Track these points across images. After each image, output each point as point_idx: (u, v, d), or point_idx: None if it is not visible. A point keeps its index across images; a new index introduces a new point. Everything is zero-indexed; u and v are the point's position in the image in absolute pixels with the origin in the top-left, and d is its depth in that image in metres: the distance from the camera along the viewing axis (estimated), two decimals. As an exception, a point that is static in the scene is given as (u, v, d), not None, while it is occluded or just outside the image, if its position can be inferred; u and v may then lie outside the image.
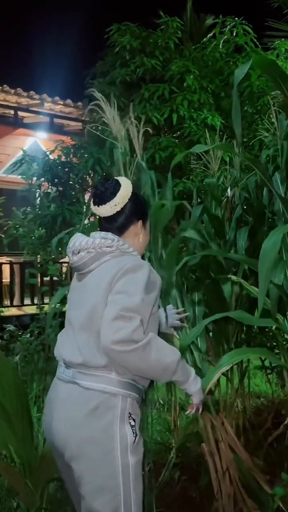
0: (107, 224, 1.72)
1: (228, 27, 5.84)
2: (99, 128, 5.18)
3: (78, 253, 1.66)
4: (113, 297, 1.56)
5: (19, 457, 2.02)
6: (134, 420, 1.57)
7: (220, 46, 5.80)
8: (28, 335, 3.48)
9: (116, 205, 1.69)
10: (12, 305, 7.35)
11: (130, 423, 1.56)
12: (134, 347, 1.48)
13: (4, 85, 7.67)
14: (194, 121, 5.12)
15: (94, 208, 1.73)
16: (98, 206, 1.70)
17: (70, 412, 1.56)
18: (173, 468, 2.72)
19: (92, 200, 1.74)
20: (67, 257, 1.75)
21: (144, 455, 1.62)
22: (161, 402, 3.90)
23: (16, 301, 7.43)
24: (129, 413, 1.57)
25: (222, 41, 5.82)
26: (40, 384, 3.11)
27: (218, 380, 2.40)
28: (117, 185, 1.71)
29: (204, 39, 6.20)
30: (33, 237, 3.70)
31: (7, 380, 1.89)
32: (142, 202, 1.82)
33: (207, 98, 5.43)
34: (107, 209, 1.69)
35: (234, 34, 5.78)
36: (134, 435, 1.56)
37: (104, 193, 1.70)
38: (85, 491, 1.53)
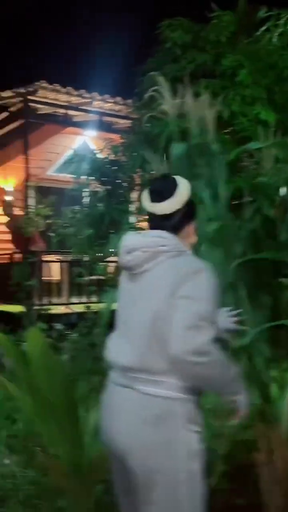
0: (161, 222, 1.66)
1: (283, 19, 5.71)
2: (150, 124, 5.18)
3: (133, 252, 1.63)
4: (180, 302, 1.52)
5: (67, 457, 2.04)
6: (196, 426, 1.55)
7: (275, 39, 5.68)
8: (76, 334, 3.53)
9: (177, 202, 1.65)
10: (60, 303, 7.50)
11: (193, 429, 1.54)
12: (208, 360, 1.47)
13: (55, 84, 7.80)
14: (246, 117, 5.04)
15: (151, 205, 1.68)
16: (156, 203, 1.66)
17: (131, 420, 1.54)
18: (220, 477, 2.69)
19: (148, 197, 1.69)
20: (118, 256, 1.73)
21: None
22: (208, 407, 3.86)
23: (64, 299, 7.57)
24: (192, 418, 1.54)
25: (276, 34, 5.70)
26: (88, 384, 3.14)
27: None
28: (176, 183, 1.67)
29: (257, 32, 6.08)
30: (81, 237, 3.74)
31: (56, 379, 1.91)
32: (195, 204, 1.80)
33: (260, 93, 5.34)
34: (165, 207, 1.65)
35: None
36: (198, 440, 1.54)
37: (164, 190, 1.66)
38: (150, 498, 1.52)
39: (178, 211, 1.66)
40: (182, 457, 1.51)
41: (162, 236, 1.63)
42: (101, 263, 3.60)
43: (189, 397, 1.54)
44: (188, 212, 1.69)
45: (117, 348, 1.64)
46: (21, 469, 2.47)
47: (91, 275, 3.51)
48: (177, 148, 2.47)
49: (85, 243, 3.70)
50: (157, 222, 1.67)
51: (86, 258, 3.87)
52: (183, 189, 1.67)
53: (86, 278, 3.68)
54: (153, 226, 1.69)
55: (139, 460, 1.52)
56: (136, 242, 1.64)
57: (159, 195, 1.66)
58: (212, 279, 1.58)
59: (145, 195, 1.70)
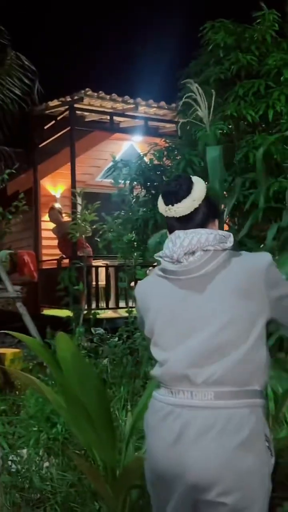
0: (183, 225, 1.57)
1: None
2: (192, 128, 5.16)
3: (195, 253, 1.51)
4: (284, 291, 1.52)
5: (102, 461, 2.06)
6: (268, 441, 1.47)
7: None
8: (116, 339, 3.56)
9: (194, 200, 1.56)
10: (107, 308, 7.58)
11: (267, 445, 1.46)
12: None
13: (100, 92, 7.91)
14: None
15: (167, 209, 1.58)
16: (173, 205, 1.56)
17: (221, 443, 1.42)
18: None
19: (164, 200, 1.60)
20: (164, 259, 1.58)
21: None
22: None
23: (111, 304, 7.64)
24: (265, 434, 1.46)
25: None
26: (128, 387, 3.16)
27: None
28: (190, 182, 1.59)
29: (304, 29, 5.94)
30: (123, 241, 3.77)
31: (90, 385, 1.92)
32: (216, 202, 1.72)
33: None
34: (184, 207, 1.56)
35: None
36: (272, 457, 1.48)
37: (178, 191, 1.57)
38: None
39: (197, 210, 1.57)
40: (266, 475, 1.45)
41: (216, 233, 1.53)
42: (143, 268, 3.62)
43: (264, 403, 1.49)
44: (209, 209, 1.61)
45: (182, 357, 1.49)
46: (59, 472, 2.52)
47: (133, 280, 3.52)
48: (211, 152, 2.46)
49: (126, 247, 3.72)
50: (177, 225, 1.58)
51: (128, 262, 3.89)
52: (198, 187, 1.58)
53: (126, 283, 3.69)
54: (171, 229, 1.60)
55: (230, 487, 1.41)
56: (201, 241, 1.51)
57: (174, 197, 1.57)
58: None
59: (160, 199, 1.62)
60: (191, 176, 1.65)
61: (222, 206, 3.04)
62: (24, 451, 2.85)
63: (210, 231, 1.55)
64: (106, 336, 3.66)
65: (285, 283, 1.55)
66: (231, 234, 1.57)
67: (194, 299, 1.51)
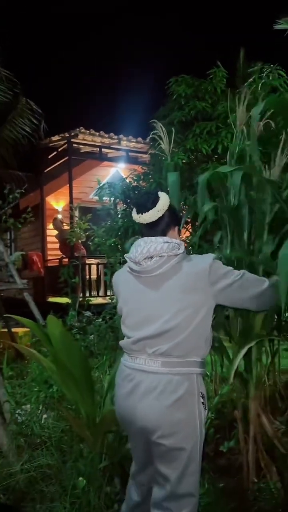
0: (149, 229, 1.60)
1: (265, 72, 5.67)
2: (162, 158, 5.21)
3: (152, 258, 1.54)
4: (225, 282, 1.52)
5: (85, 413, 2.08)
6: (203, 398, 1.52)
7: (259, 88, 5.63)
8: (101, 319, 3.58)
9: (158, 211, 1.58)
10: (98, 295, 7.57)
11: (202, 401, 1.51)
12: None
13: (91, 129, 7.91)
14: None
15: (138, 217, 1.60)
16: (143, 214, 1.59)
17: (160, 401, 1.48)
18: (212, 428, 2.68)
19: (136, 209, 1.61)
20: (130, 260, 1.60)
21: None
22: (208, 374, 3.85)
23: (101, 293, 7.64)
24: (201, 392, 1.52)
25: (260, 84, 5.64)
26: (109, 356, 3.17)
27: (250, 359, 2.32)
28: (157, 196, 1.62)
29: (246, 83, 6.03)
30: (107, 245, 3.80)
31: (75, 355, 1.94)
32: (177, 212, 1.75)
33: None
34: (149, 216, 1.58)
35: (270, 77, 5.59)
36: (205, 410, 1.52)
37: (146, 203, 1.60)
38: (173, 460, 1.49)
39: (161, 218, 1.59)
40: (197, 425, 1.49)
41: (171, 242, 1.55)
42: (122, 265, 3.66)
43: (203, 371, 1.53)
44: (170, 218, 1.62)
45: (142, 337, 1.53)
46: (54, 422, 2.53)
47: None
48: (170, 177, 2.49)
49: (109, 249, 3.75)
50: (146, 230, 1.61)
51: (111, 261, 3.91)
52: (163, 200, 1.60)
53: (109, 277, 3.74)
54: (144, 234, 1.62)
55: (167, 432, 1.47)
56: (157, 249, 1.54)
57: (144, 207, 1.59)
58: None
59: (134, 209, 1.63)
60: (158, 191, 1.67)
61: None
62: (28, 406, 2.84)
63: (166, 239, 1.57)
64: (93, 318, 3.69)
65: (227, 276, 1.54)
66: (182, 243, 1.60)
67: (151, 294, 1.55)
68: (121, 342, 1.63)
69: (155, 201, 1.59)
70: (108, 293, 7.43)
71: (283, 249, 1.57)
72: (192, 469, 1.49)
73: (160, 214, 1.59)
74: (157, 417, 1.47)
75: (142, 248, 1.56)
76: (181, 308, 1.49)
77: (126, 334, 1.60)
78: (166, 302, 1.51)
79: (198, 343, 1.51)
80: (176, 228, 1.67)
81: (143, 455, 1.60)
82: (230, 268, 1.57)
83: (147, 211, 1.58)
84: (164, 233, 1.60)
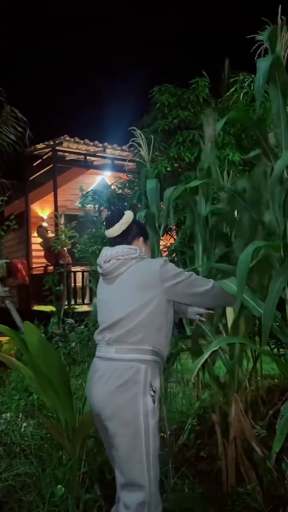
0: (117, 241, 1.81)
1: (247, 82, 5.80)
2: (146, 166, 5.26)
3: (109, 261, 1.74)
4: (174, 280, 1.68)
5: (64, 420, 2.08)
6: (154, 391, 1.61)
7: (241, 97, 5.76)
8: (83, 327, 3.58)
9: (121, 224, 1.80)
10: (83, 303, 7.55)
11: (151, 394, 1.60)
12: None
13: (75, 138, 7.95)
14: (218, 158, 5.09)
15: (106, 232, 1.83)
16: (109, 228, 1.82)
17: (106, 386, 1.63)
18: (192, 434, 2.70)
19: (105, 225, 1.85)
20: (98, 266, 1.83)
21: (163, 419, 1.67)
22: (192, 380, 3.87)
23: (86, 300, 7.62)
24: (151, 384, 1.61)
25: (242, 93, 5.77)
26: (88, 364, 3.16)
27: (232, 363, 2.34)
28: (122, 213, 1.84)
29: (228, 93, 6.16)
30: (89, 252, 3.81)
31: (53, 363, 1.95)
32: (142, 225, 1.94)
33: (229, 139, 5.40)
34: (115, 230, 1.81)
35: (251, 87, 5.71)
36: (154, 403, 1.61)
37: (112, 219, 1.83)
38: (117, 445, 1.60)
39: (125, 231, 1.81)
40: (140, 413, 1.57)
41: (130, 248, 1.76)
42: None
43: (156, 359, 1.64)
44: (134, 231, 1.83)
45: (103, 328, 1.72)
46: (34, 430, 2.52)
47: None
48: (149, 184, 2.54)
49: (92, 257, 3.77)
50: (114, 241, 1.82)
51: (94, 268, 3.92)
52: (127, 216, 1.82)
53: (93, 284, 3.74)
54: (113, 244, 1.83)
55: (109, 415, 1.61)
56: (113, 253, 1.74)
57: (109, 223, 1.82)
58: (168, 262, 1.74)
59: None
60: (124, 209, 1.91)
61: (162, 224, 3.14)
62: (8, 415, 2.83)
63: (126, 246, 1.78)
64: (75, 325, 3.69)
65: (177, 275, 1.72)
66: (138, 248, 1.79)
67: (111, 292, 1.75)
68: (94, 336, 1.81)
69: (119, 216, 1.82)
70: (93, 300, 7.41)
71: (242, 255, 1.66)
72: (136, 458, 1.56)
73: (124, 227, 1.80)
74: (101, 399, 1.63)
75: (103, 253, 1.78)
76: (133, 301, 1.67)
77: (98, 329, 1.78)
78: (122, 297, 1.70)
79: (148, 331, 1.65)
80: (141, 238, 1.86)
81: (107, 447, 1.72)
82: (180, 269, 1.77)
83: (113, 226, 1.80)
84: (129, 243, 1.81)
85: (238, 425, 2.33)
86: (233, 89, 6.19)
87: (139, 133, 2.76)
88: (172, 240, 5.51)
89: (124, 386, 1.59)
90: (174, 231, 5.30)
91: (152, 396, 1.60)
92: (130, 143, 2.70)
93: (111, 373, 1.62)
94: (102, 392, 1.62)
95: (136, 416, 1.57)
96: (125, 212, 1.85)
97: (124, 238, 1.81)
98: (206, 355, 1.70)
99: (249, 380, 2.90)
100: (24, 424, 2.66)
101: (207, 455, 2.46)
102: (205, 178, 2.23)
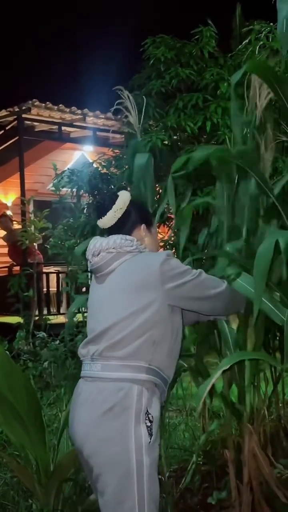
0: (112, 232, 1.76)
1: (264, 32, 5.79)
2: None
3: (99, 254, 1.71)
4: (178, 281, 1.66)
5: (35, 460, 2.08)
6: (150, 420, 1.57)
7: (256, 52, 5.75)
8: (58, 342, 3.57)
9: (115, 211, 1.75)
10: (59, 313, 7.53)
11: (147, 424, 1.57)
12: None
13: (47, 102, 7.91)
14: (228, 128, 5.09)
15: (98, 222, 1.79)
16: (101, 218, 1.77)
17: (89, 412, 1.61)
18: (197, 475, 2.70)
19: (96, 215, 1.81)
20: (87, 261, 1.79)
21: (162, 458, 1.66)
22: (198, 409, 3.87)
23: (63, 309, 7.60)
24: (146, 411, 1.57)
25: (258, 46, 5.76)
26: (71, 389, 3.16)
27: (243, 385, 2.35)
28: (114, 196, 1.78)
29: (240, 46, 6.16)
30: (65, 247, 3.78)
31: (20, 388, 1.94)
32: (144, 208, 1.90)
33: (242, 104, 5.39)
34: (109, 218, 1.76)
35: (270, 39, 5.71)
36: (151, 436, 1.56)
37: (103, 205, 1.78)
38: (101, 489, 1.57)
39: (121, 219, 1.76)
40: (131, 449, 1.54)
41: (126, 239, 1.71)
42: (84, 272, 3.65)
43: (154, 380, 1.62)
44: (131, 218, 1.78)
45: (88, 340, 1.70)
46: (-4, 473, 2.51)
47: (76, 285, 3.56)
48: (139, 158, 2.52)
49: (67, 253, 3.75)
50: (109, 233, 1.76)
51: (70, 268, 3.91)
52: (120, 201, 1.76)
53: (69, 287, 3.72)
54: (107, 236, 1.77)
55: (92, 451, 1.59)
56: (103, 244, 1.71)
57: (100, 211, 1.78)
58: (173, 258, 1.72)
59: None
60: (120, 191, 1.82)
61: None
62: None
63: (117, 236, 1.73)
64: (48, 339, 3.68)
65: (182, 274, 1.69)
66: (135, 239, 1.74)
67: (103, 292, 1.72)
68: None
69: (112, 201, 1.77)
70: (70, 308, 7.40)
71: (261, 246, 1.66)
72: (126, 507, 1.52)
73: (119, 214, 1.76)
74: (84, 429, 1.60)
75: (91, 244, 1.75)
76: (125, 307, 1.64)
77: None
78: (111, 300, 1.68)
79: (143, 344, 1.61)
80: (143, 226, 1.81)
81: (94, 492, 1.71)
82: (186, 266, 1.73)
83: (105, 214, 1.76)
84: (127, 234, 1.76)
85: (253, 463, 2.34)
86: (246, 41, 6.19)
87: (127, 95, 2.73)
88: (170, 232, 5.51)
89: (110, 413, 1.55)
90: (173, 221, 5.31)
91: (148, 426, 1.56)
92: (115, 107, 2.66)
93: (95, 396, 1.59)
94: (85, 420, 1.60)
95: (126, 453, 1.53)
96: (119, 193, 1.79)
97: (120, 228, 1.77)
98: (215, 376, 1.69)
99: (268, 407, 2.92)
100: (-17, 466, 2.64)
101: (216, 502, 2.47)
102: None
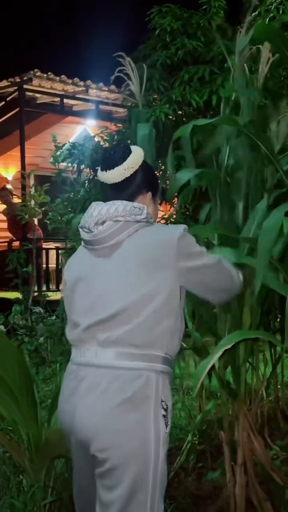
0: (114, 192, 1.57)
1: (274, 4, 5.63)
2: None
3: (103, 223, 1.51)
4: (195, 263, 1.54)
5: (26, 436, 2.06)
6: (166, 409, 1.46)
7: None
8: (54, 317, 3.54)
9: (125, 169, 1.54)
10: (58, 290, 7.53)
11: (163, 413, 1.46)
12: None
13: (49, 73, 7.76)
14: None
15: (101, 174, 1.58)
16: (106, 171, 1.55)
17: (102, 401, 1.46)
18: (192, 454, 2.70)
19: (100, 166, 1.58)
20: (82, 230, 1.58)
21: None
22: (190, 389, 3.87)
23: (62, 285, 7.58)
24: (162, 400, 1.46)
25: (267, 19, 5.61)
26: (66, 365, 3.14)
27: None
28: (127, 150, 1.57)
29: (250, 17, 5.99)
30: (63, 221, 3.73)
31: (11, 361, 1.90)
32: (153, 174, 1.71)
33: (250, 78, 5.27)
34: (115, 174, 1.55)
35: (281, 11, 5.56)
36: (167, 427, 1.47)
37: (113, 157, 1.55)
38: (115, 483, 1.43)
39: (128, 179, 1.56)
40: (151, 441, 1.43)
41: (134, 206, 1.52)
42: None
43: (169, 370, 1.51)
44: (141, 181, 1.59)
45: (93, 322, 1.50)
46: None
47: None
48: (141, 129, 2.44)
49: (66, 228, 3.69)
50: (109, 192, 1.58)
51: (71, 244, 3.85)
52: (135, 157, 1.56)
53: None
54: (107, 197, 1.58)
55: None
56: (110, 211, 1.50)
57: (108, 163, 1.55)
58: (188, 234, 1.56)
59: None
60: (132, 146, 1.61)
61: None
62: None
63: (125, 203, 1.53)
64: (44, 315, 3.65)
65: (200, 256, 1.55)
66: (145, 207, 1.56)
67: (105, 268, 1.53)
68: (68, 335, 1.61)
69: (124, 156, 1.56)
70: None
71: (266, 222, 1.59)
72: (139, 500, 1.43)
73: (128, 174, 1.56)
74: (95, 422, 1.44)
75: (93, 210, 1.55)
76: (138, 285, 1.47)
77: (76, 321, 1.56)
78: (121, 277, 1.49)
79: (161, 331, 1.48)
80: (149, 194, 1.63)
81: (86, 484, 1.56)
82: (204, 248, 1.59)
83: (113, 168, 1.55)
84: (131, 198, 1.57)
85: (248, 444, 2.32)
86: (256, 12, 6.03)
87: (128, 61, 2.63)
88: (172, 210, 5.44)
89: (128, 403, 1.41)
90: (176, 198, 5.23)
91: (165, 416, 1.46)
92: (116, 74, 2.56)
93: (108, 384, 1.43)
94: (96, 411, 1.43)
95: (145, 445, 1.42)
96: (132, 148, 1.58)
97: (124, 189, 1.56)
98: (215, 357, 1.64)
99: (266, 388, 2.90)
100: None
101: (210, 481, 2.47)
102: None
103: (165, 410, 1.47)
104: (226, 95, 2.19)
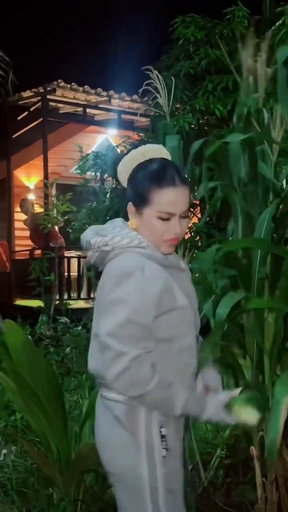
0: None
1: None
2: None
3: (89, 250, 1.46)
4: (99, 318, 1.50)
5: (55, 448, 2.04)
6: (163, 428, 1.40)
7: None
8: (80, 328, 3.54)
9: (120, 173, 1.45)
10: (79, 298, 7.54)
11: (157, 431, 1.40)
12: None
13: (73, 83, 7.83)
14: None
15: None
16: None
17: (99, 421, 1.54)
18: (221, 470, 2.65)
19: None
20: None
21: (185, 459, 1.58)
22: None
23: (83, 295, 7.60)
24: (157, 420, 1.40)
25: (291, 28, 5.59)
26: (86, 375, 3.13)
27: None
28: (129, 151, 1.49)
29: (274, 27, 5.97)
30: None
31: (41, 372, 1.91)
32: (141, 182, 1.40)
33: (274, 87, 5.24)
34: (120, 177, 1.47)
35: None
36: (161, 445, 1.40)
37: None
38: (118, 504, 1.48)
39: (127, 185, 1.44)
40: (142, 459, 1.39)
41: (102, 234, 1.41)
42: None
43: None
44: (128, 191, 1.43)
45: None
46: (16, 459, 2.49)
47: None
48: (170, 141, 2.44)
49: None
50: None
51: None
52: (121, 165, 1.43)
53: (93, 272, 3.65)
54: None
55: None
56: (91, 242, 1.43)
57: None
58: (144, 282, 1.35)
59: None
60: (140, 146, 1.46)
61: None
62: (-17, 439, 2.81)
63: (103, 231, 1.45)
64: (70, 325, 3.65)
65: (106, 313, 1.40)
66: (125, 235, 1.40)
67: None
68: None
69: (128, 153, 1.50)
70: (92, 294, 7.39)
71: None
72: (135, 504, 1.41)
73: (121, 177, 1.46)
74: (97, 441, 1.53)
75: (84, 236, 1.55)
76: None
77: None
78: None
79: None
80: (131, 206, 1.43)
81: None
82: (120, 309, 1.37)
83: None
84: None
85: (279, 460, 2.27)
86: (280, 22, 6.00)
87: (156, 74, 2.64)
88: (195, 220, 5.41)
89: (97, 426, 1.52)
90: (198, 207, 5.20)
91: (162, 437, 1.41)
92: (144, 87, 2.57)
93: (97, 408, 1.54)
94: (95, 433, 1.52)
95: (134, 467, 1.40)
96: (142, 147, 1.45)
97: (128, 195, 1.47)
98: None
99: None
100: (4, 451, 2.63)
101: (241, 498, 2.42)
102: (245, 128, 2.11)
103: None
104: (239, 112, 2.19)
